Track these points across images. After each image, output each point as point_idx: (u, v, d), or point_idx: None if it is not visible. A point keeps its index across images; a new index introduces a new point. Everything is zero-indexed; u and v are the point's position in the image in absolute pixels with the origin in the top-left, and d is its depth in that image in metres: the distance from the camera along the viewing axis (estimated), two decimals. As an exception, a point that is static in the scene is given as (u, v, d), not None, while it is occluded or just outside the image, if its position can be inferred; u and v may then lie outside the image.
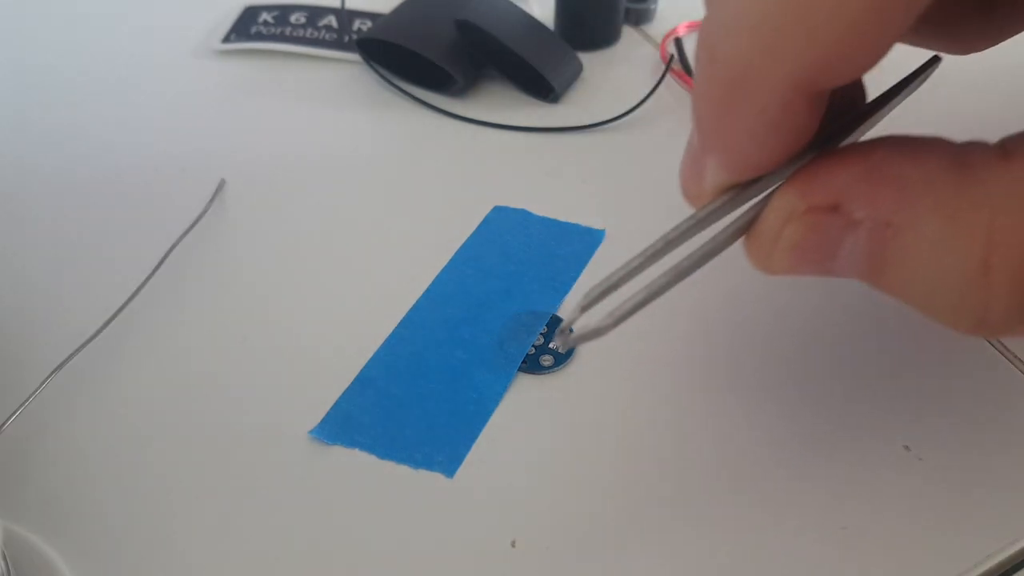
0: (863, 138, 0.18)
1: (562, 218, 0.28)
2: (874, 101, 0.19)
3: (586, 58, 0.35)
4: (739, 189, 0.17)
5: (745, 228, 0.17)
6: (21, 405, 0.21)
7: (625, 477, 0.21)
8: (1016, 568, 0.19)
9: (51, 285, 0.26)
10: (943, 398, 0.22)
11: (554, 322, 0.24)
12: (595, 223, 0.28)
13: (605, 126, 0.32)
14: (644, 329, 0.24)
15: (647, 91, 0.33)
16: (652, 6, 0.38)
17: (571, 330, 0.17)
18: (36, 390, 0.22)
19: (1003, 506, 0.20)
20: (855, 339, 0.24)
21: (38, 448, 0.21)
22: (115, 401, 0.23)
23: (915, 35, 0.20)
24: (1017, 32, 0.20)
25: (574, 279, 0.26)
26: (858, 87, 0.19)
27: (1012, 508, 0.20)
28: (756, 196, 0.17)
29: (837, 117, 0.18)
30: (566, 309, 0.25)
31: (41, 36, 0.38)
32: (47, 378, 0.22)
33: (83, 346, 0.23)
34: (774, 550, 0.19)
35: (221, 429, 0.22)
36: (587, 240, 0.27)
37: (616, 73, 0.35)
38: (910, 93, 0.20)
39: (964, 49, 0.20)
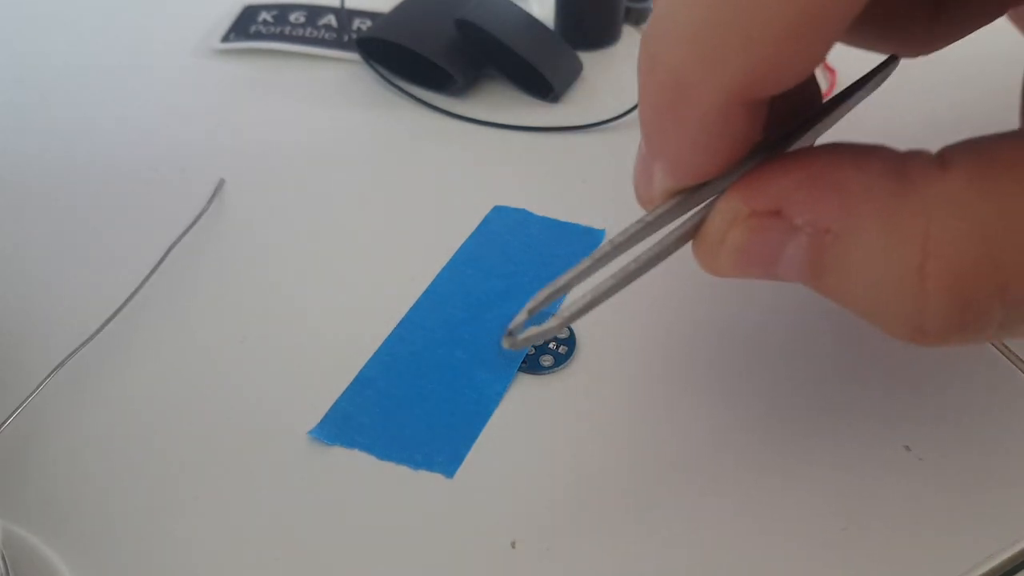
0: (820, 138, 0.19)
1: (562, 218, 0.28)
2: (830, 101, 0.19)
3: (586, 58, 0.35)
4: (688, 193, 0.17)
5: (693, 232, 0.18)
6: (21, 404, 0.21)
7: (625, 477, 0.21)
8: (1016, 569, 0.19)
9: (51, 284, 0.26)
10: (944, 398, 0.22)
11: (554, 322, 0.24)
12: (595, 223, 0.28)
13: (605, 126, 0.32)
14: (645, 330, 0.24)
15: (647, 91, 0.33)
16: (652, 5, 0.38)
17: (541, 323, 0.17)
18: (36, 389, 0.22)
19: (1003, 506, 0.20)
20: (856, 339, 0.24)
21: (38, 448, 0.21)
22: (115, 401, 0.23)
23: (863, 38, 0.20)
24: (964, 35, 0.20)
25: (574, 279, 0.26)
26: (813, 88, 0.19)
27: (1012, 508, 0.20)
28: (706, 200, 0.17)
29: (791, 118, 0.18)
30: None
31: (40, 35, 0.38)
32: (47, 377, 0.22)
33: (83, 345, 0.23)
34: (775, 550, 0.19)
35: (221, 429, 0.22)
36: (587, 240, 0.27)
37: (616, 73, 0.35)
38: (869, 93, 0.20)
39: (913, 52, 0.20)
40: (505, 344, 0.18)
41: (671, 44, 0.15)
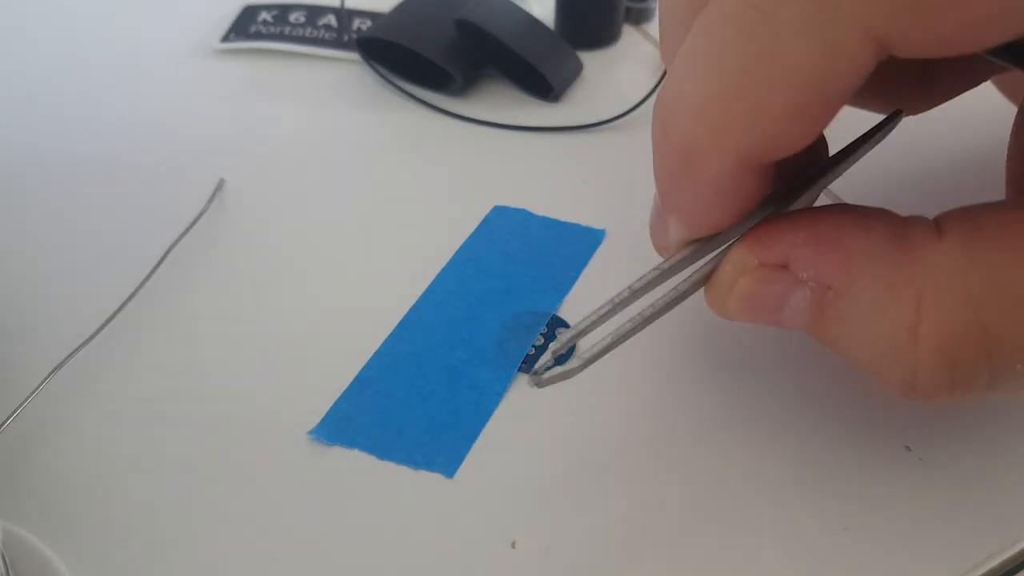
0: (829, 187, 0.20)
1: (562, 218, 0.28)
2: (837, 154, 0.20)
3: (586, 57, 0.35)
4: (701, 243, 0.19)
5: (706, 279, 0.19)
6: (21, 405, 0.21)
7: (625, 477, 0.21)
8: (1016, 569, 0.19)
9: (51, 284, 0.26)
10: (943, 398, 0.22)
11: (554, 322, 0.24)
12: (595, 223, 0.28)
13: (605, 126, 0.32)
14: (645, 330, 0.24)
15: (647, 91, 0.33)
16: (652, 5, 0.38)
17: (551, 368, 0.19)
18: (36, 390, 0.22)
19: (1003, 507, 0.20)
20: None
21: (37, 448, 0.21)
22: (114, 401, 0.23)
23: (857, 99, 0.21)
24: (951, 97, 0.22)
25: (574, 279, 0.26)
26: (819, 142, 0.21)
27: (1012, 509, 0.20)
28: (718, 248, 0.19)
29: (799, 172, 0.19)
30: (567, 309, 0.25)
31: (39, 35, 0.38)
32: (47, 378, 0.22)
33: (82, 345, 0.23)
34: (776, 551, 0.19)
35: (220, 429, 0.22)
36: (587, 240, 0.27)
37: (616, 72, 0.35)
38: (875, 145, 0.21)
39: (905, 111, 0.22)
40: (530, 383, 0.19)
41: (681, 113, 0.16)
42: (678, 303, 0.19)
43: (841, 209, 0.18)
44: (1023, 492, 0.20)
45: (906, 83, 0.22)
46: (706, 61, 0.16)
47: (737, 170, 0.16)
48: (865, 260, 0.16)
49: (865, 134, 0.20)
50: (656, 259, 0.20)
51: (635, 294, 0.19)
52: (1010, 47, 0.16)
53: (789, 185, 0.20)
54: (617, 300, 0.19)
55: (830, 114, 0.15)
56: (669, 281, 0.19)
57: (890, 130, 0.21)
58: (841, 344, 0.17)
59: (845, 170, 0.20)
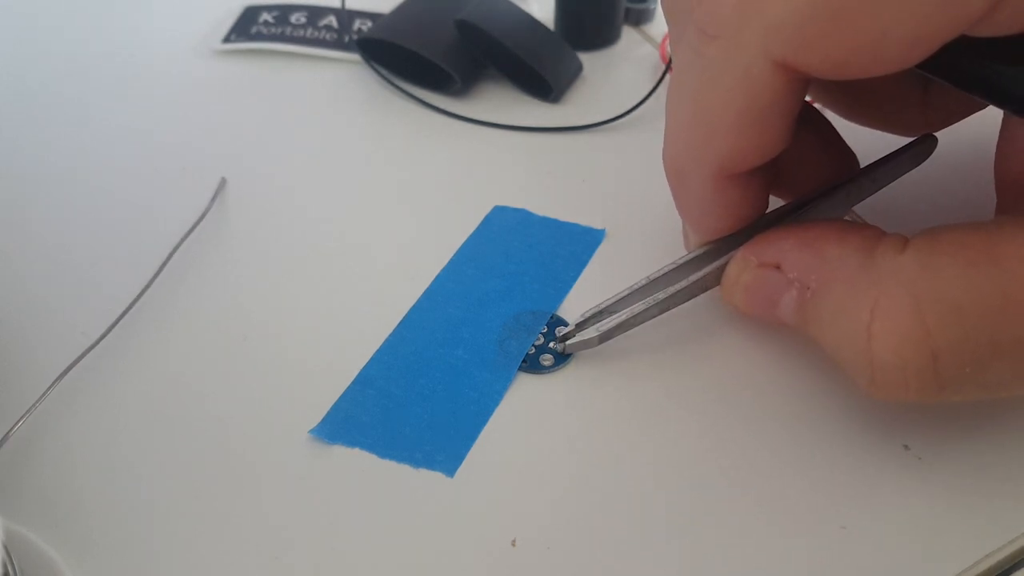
0: (858, 205, 0.24)
1: (562, 218, 0.28)
2: (857, 173, 0.23)
3: (586, 58, 0.35)
4: (716, 244, 0.22)
5: (715, 278, 0.22)
6: (28, 411, 0.21)
7: (625, 476, 0.21)
8: (1015, 567, 0.19)
9: (54, 289, 0.26)
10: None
11: (554, 322, 0.24)
12: (595, 223, 0.28)
13: (605, 126, 0.32)
14: (644, 329, 0.24)
15: (647, 91, 0.33)
16: (652, 6, 0.38)
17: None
18: (42, 395, 0.22)
19: (1002, 505, 0.20)
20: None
21: (41, 450, 0.22)
22: (117, 402, 0.23)
23: (866, 120, 0.24)
24: (956, 120, 0.24)
25: (574, 279, 0.26)
26: (842, 159, 0.23)
27: (1011, 507, 0.20)
28: (729, 251, 0.21)
29: (820, 186, 0.23)
30: (567, 309, 0.25)
31: (40, 36, 0.38)
32: (53, 383, 0.22)
33: (89, 349, 0.23)
34: (774, 550, 0.19)
35: (221, 429, 0.22)
36: (587, 240, 0.27)
37: (616, 73, 0.35)
38: (905, 170, 0.23)
39: (912, 132, 0.24)
40: (557, 346, 0.23)
41: (668, 143, 0.20)
42: (690, 296, 0.22)
43: (831, 223, 0.20)
44: (1021, 490, 0.20)
45: (906, 107, 0.23)
46: (675, 97, 0.19)
47: (715, 182, 0.19)
48: (837, 265, 0.19)
49: (888, 156, 0.23)
50: (657, 257, 0.23)
51: (653, 283, 0.22)
52: (943, 62, 0.17)
53: (804, 198, 0.23)
54: (636, 286, 0.22)
55: (774, 129, 0.18)
56: (685, 277, 0.22)
57: (924, 155, 0.23)
58: (819, 340, 0.19)
59: (875, 189, 0.23)
